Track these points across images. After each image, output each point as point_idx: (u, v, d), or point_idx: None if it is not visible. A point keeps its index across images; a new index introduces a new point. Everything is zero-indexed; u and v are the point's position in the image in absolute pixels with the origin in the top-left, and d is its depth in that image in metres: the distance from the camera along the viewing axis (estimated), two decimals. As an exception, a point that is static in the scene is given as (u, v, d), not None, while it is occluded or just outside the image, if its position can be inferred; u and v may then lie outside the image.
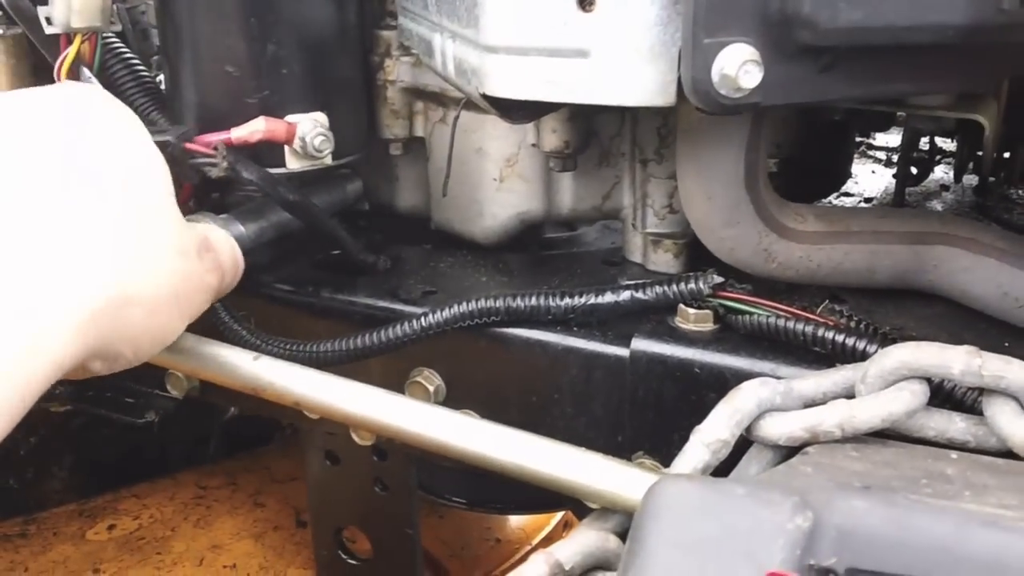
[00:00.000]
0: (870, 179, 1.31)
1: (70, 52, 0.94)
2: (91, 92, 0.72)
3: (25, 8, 1.07)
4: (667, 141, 0.96)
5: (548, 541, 1.54)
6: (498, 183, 1.03)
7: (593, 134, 0.99)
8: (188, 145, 0.91)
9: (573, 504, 1.01)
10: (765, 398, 0.67)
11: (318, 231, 1.00)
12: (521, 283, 1.01)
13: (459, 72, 0.80)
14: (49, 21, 0.93)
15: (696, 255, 0.97)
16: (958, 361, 0.64)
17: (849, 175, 1.22)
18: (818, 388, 0.70)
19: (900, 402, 0.65)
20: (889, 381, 0.66)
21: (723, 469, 0.70)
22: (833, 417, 0.66)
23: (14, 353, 0.57)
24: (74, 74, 0.96)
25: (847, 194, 1.23)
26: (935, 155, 1.27)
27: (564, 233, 1.17)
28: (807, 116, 1.07)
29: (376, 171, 1.15)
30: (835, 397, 0.70)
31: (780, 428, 0.67)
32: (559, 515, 1.59)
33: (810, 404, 0.69)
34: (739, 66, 0.62)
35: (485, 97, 0.75)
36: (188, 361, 0.80)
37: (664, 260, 0.99)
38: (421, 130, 1.09)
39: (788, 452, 0.68)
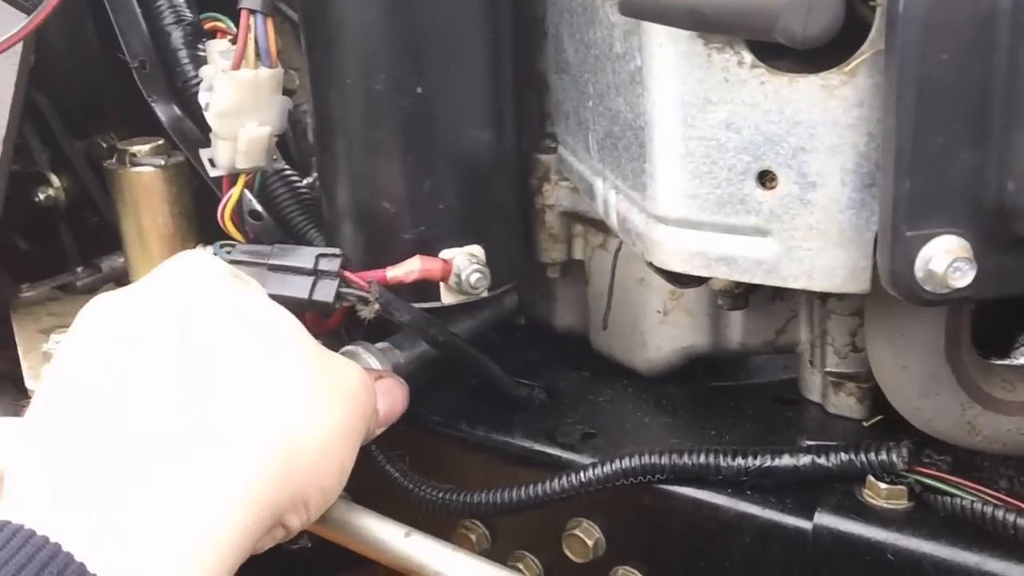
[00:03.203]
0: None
1: (233, 194, 0.94)
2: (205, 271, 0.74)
3: (189, 134, 1.08)
4: (849, 275, 0.88)
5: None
6: (662, 316, 0.97)
7: (767, 268, 0.91)
8: (347, 273, 0.89)
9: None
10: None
11: (472, 368, 0.96)
12: (686, 424, 0.94)
13: (622, 228, 0.75)
14: (212, 163, 0.93)
15: (884, 400, 0.88)
16: None
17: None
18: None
19: None
20: None
21: None
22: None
23: (195, 549, 0.56)
24: (237, 214, 0.95)
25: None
26: None
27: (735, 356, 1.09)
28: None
29: (534, 288, 1.11)
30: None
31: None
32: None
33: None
34: (948, 263, 0.54)
35: (651, 265, 0.69)
36: (337, 531, 0.77)
37: (846, 404, 0.90)
38: (580, 254, 1.04)
39: None
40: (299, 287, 0.88)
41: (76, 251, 1.29)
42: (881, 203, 0.56)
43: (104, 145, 1.27)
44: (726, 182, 0.62)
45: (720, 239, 0.63)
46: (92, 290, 1.14)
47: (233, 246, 1.01)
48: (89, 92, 1.28)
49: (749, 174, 0.61)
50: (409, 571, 0.75)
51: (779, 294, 0.93)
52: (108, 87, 1.27)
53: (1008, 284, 0.57)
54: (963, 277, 0.54)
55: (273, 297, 0.87)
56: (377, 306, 0.89)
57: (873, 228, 0.58)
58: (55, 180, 1.27)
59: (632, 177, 0.69)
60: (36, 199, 1.26)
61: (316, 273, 0.88)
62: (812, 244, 0.60)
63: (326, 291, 0.88)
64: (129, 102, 1.15)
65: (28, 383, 0.95)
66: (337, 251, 0.88)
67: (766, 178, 0.61)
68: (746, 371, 1.06)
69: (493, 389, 1.00)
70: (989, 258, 0.55)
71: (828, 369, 0.91)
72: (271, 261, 0.89)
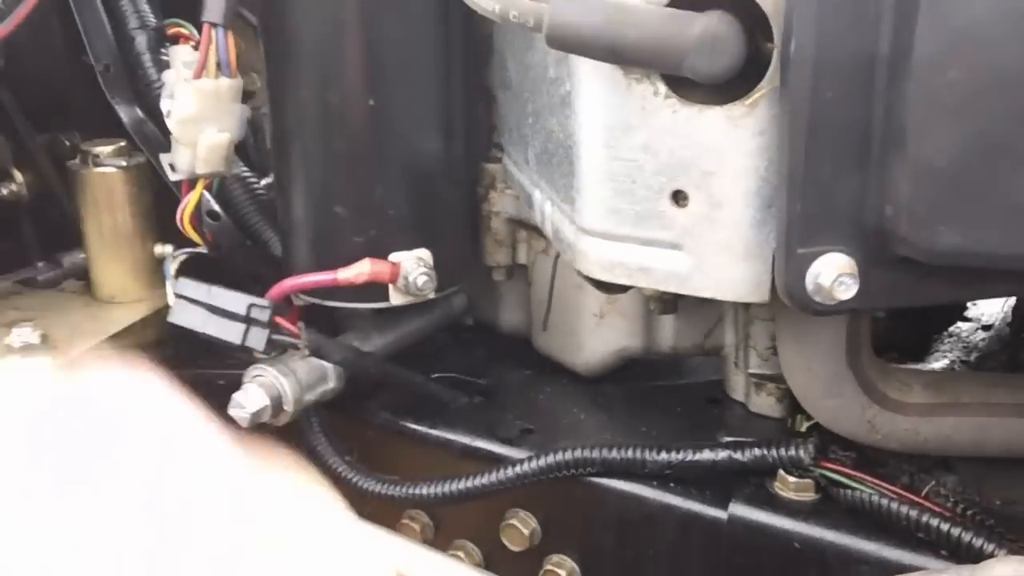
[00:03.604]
0: (988, 302, 1.25)
1: (192, 198, 0.98)
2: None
3: (151, 137, 1.12)
4: (772, 284, 0.94)
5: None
6: (598, 319, 1.02)
7: (694, 276, 0.98)
8: (279, 320, 0.94)
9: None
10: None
11: (409, 388, 1.02)
12: (619, 422, 1.00)
13: (555, 238, 0.81)
14: (172, 168, 0.97)
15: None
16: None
17: (966, 304, 1.17)
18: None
19: (1005, 622, 0.62)
20: (993, 598, 0.63)
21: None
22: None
23: None
24: (196, 217, 1.00)
25: (965, 318, 1.18)
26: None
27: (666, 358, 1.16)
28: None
29: (480, 290, 1.16)
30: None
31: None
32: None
33: (910, 609, 0.67)
34: (834, 278, 0.60)
35: (579, 273, 0.75)
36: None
37: (767, 404, 0.96)
38: (524, 258, 1.09)
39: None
40: (233, 333, 0.94)
41: (37, 246, 1.32)
42: (777, 223, 0.62)
43: (67, 143, 1.30)
44: (644, 199, 0.68)
45: (639, 251, 0.69)
46: (53, 284, 1.18)
47: (188, 255, 1.06)
48: (53, 91, 1.31)
49: (664, 193, 0.67)
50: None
51: (706, 300, 0.99)
52: (71, 87, 1.30)
53: (890, 297, 0.63)
54: (847, 291, 0.61)
55: (212, 339, 0.93)
56: (308, 349, 0.95)
57: (773, 244, 0.64)
58: (17, 175, 1.29)
59: (563, 191, 0.75)
60: (-1, 194, 1.29)
61: (248, 320, 0.93)
62: (719, 258, 0.66)
63: (258, 339, 0.94)
64: (91, 102, 1.19)
65: (-9, 374, 0.99)
66: (266, 302, 0.94)
67: (679, 197, 0.67)
68: (681, 373, 1.12)
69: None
70: (873, 274, 0.62)
71: (751, 371, 0.97)
72: (209, 301, 0.95)
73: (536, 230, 1.06)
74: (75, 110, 1.30)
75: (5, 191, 1.29)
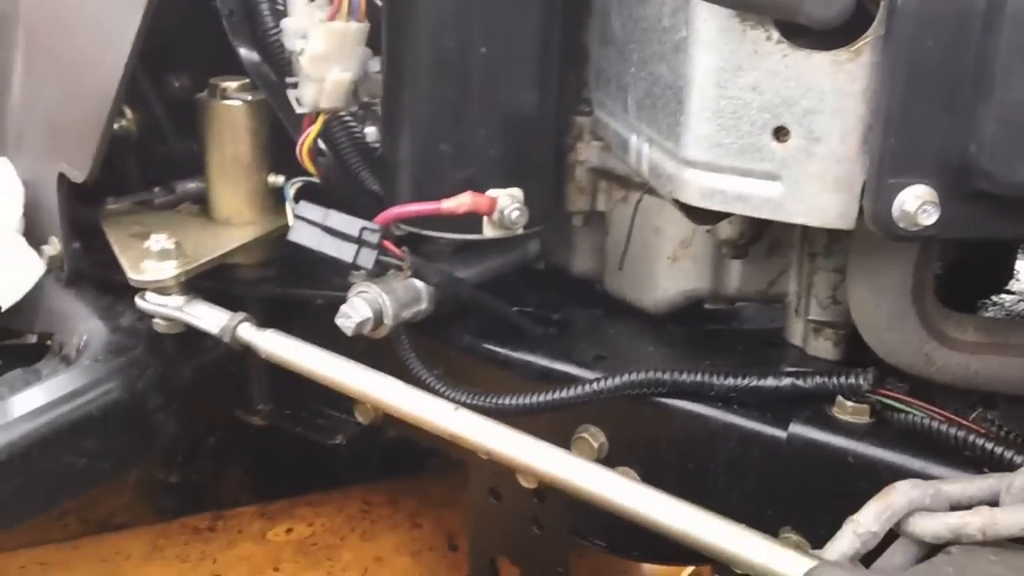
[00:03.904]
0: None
1: (312, 131, 1.08)
2: None
3: (267, 77, 1.22)
4: (836, 236, 1.03)
5: (680, 589, 1.61)
6: (671, 261, 1.12)
7: (766, 225, 1.07)
8: (386, 243, 1.04)
9: (715, 565, 1.10)
10: (916, 498, 0.74)
11: (495, 316, 1.12)
12: (685, 356, 1.09)
13: (653, 174, 0.90)
14: (299, 102, 1.07)
15: (854, 344, 1.04)
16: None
17: (1012, 275, 1.26)
18: (964, 492, 0.77)
19: (1042, 515, 0.72)
20: (1032, 495, 0.73)
21: (869, 557, 0.77)
22: (977, 522, 0.72)
23: None
24: (313, 150, 1.10)
25: (1009, 291, 1.27)
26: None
27: (724, 306, 1.25)
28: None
29: (555, 236, 1.26)
30: (980, 502, 0.76)
31: (927, 527, 0.73)
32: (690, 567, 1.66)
33: (956, 506, 0.76)
34: (918, 206, 0.70)
35: (676, 202, 0.84)
36: (397, 404, 0.92)
37: (824, 347, 1.06)
38: (603, 205, 1.19)
39: (931, 549, 0.75)
40: (347, 252, 1.06)
41: (139, 180, 1.40)
42: (871, 155, 0.72)
43: (176, 84, 1.39)
44: (747, 134, 0.77)
45: (738, 181, 0.79)
46: (169, 207, 1.28)
47: (303, 183, 1.16)
48: (164, 33, 1.40)
49: (767, 129, 0.76)
50: (456, 438, 0.89)
51: (774, 249, 1.09)
52: (182, 30, 1.38)
53: (965, 228, 0.72)
54: (929, 217, 0.70)
55: (327, 257, 1.03)
56: (410, 271, 1.05)
57: (862, 177, 0.74)
58: (128, 112, 1.37)
59: (667, 129, 0.85)
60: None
61: (360, 242, 1.04)
62: (813, 188, 0.76)
63: (367, 258, 1.06)
64: (200, 44, 1.28)
65: (130, 274, 1.09)
66: (376, 226, 1.05)
67: (780, 133, 0.76)
68: (737, 320, 1.22)
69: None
70: (951, 206, 0.71)
71: (811, 317, 1.07)
72: (326, 224, 1.05)
73: (617, 179, 1.15)
74: (184, 52, 1.39)
75: (117, 126, 1.37)
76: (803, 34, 0.73)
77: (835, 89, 0.73)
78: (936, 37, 0.67)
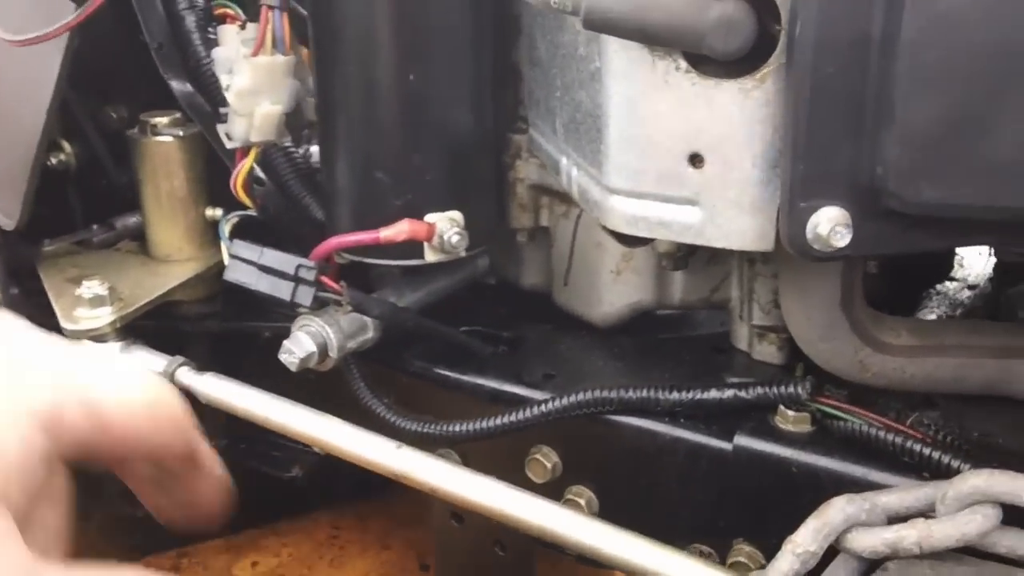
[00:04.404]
0: (975, 260, 1.35)
1: (245, 165, 1.08)
2: None
3: (201, 108, 1.22)
4: (773, 243, 1.04)
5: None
6: (615, 275, 1.13)
7: (704, 236, 1.08)
8: (323, 279, 1.04)
9: None
10: (852, 514, 0.75)
11: (441, 339, 1.12)
12: (634, 368, 1.10)
13: (582, 198, 0.90)
14: (228, 137, 1.07)
15: (798, 348, 1.05)
16: (1027, 492, 0.70)
17: (953, 265, 1.27)
18: (901, 503, 0.77)
19: (974, 524, 0.73)
20: (965, 504, 0.74)
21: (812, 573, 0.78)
22: (913, 535, 0.73)
23: None
24: (248, 182, 1.10)
25: (951, 278, 1.28)
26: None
27: (675, 312, 1.26)
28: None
29: (503, 252, 1.26)
30: (917, 512, 0.77)
31: (864, 543, 0.74)
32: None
33: (894, 518, 0.77)
34: (830, 228, 0.70)
35: (604, 228, 0.85)
36: (338, 445, 0.92)
37: (768, 352, 1.06)
38: (546, 221, 1.19)
39: (871, 564, 0.76)
40: (283, 290, 1.05)
41: (81, 213, 1.40)
42: (782, 181, 0.72)
43: (114, 115, 1.39)
44: (664, 162, 0.78)
45: (659, 207, 0.79)
46: (108, 245, 1.27)
47: (239, 217, 1.16)
48: (101, 66, 1.40)
49: (683, 156, 0.77)
50: (399, 477, 0.90)
51: (714, 258, 1.10)
52: (119, 62, 1.38)
53: (878, 245, 0.73)
54: (842, 239, 0.71)
55: (264, 296, 1.03)
56: (350, 306, 1.05)
57: (777, 200, 0.74)
58: (66, 146, 1.37)
59: (591, 156, 0.85)
60: (48, 163, 1.37)
61: (296, 279, 1.04)
62: (730, 213, 0.76)
63: (305, 296, 1.05)
64: (137, 77, 1.28)
65: (63, 323, 1.08)
66: (312, 263, 1.04)
67: (696, 160, 0.76)
68: (689, 325, 1.23)
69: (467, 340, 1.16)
70: (864, 225, 0.72)
71: (754, 322, 1.08)
72: (261, 262, 1.05)
73: (557, 195, 1.16)
74: (121, 84, 1.39)
75: (54, 160, 1.37)
76: (710, 63, 0.73)
77: (744, 116, 0.73)
78: (836, 63, 0.67)
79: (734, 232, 0.76)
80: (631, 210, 0.81)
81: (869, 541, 0.75)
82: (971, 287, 1.28)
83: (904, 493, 0.78)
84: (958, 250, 1.32)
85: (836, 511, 0.76)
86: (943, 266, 1.26)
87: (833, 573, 0.78)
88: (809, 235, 0.71)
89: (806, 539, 0.75)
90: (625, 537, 0.80)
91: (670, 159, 0.77)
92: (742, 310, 1.10)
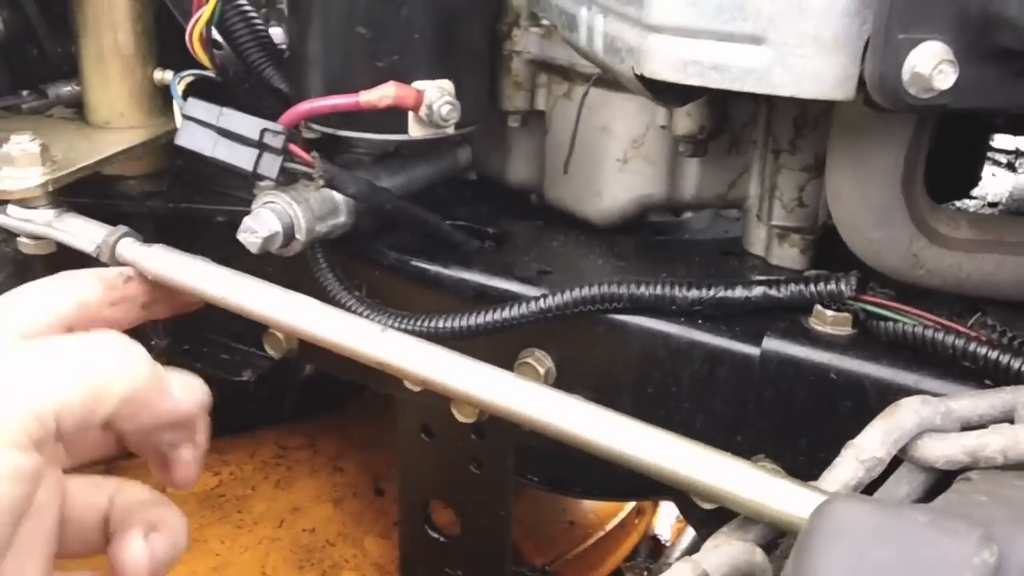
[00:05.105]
0: (991, 182, 1.26)
1: (204, 13, 0.92)
2: None
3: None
4: (803, 132, 0.92)
5: (622, 527, 1.52)
6: (621, 164, 1.00)
7: (726, 119, 0.95)
8: (292, 147, 0.89)
9: (674, 497, 1.00)
10: (926, 417, 0.64)
11: (422, 228, 0.99)
12: (639, 268, 0.98)
13: (609, 50, 0.77)
14: (184, -26, 0.91)
15: (822, 253, 0.94)
16: None
17: (979, 178, 1.17)
18: (975, 409, 0.67)
19: (1069, 431, 0.62)
20: (1055, 409, 0.63)
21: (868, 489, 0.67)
22: (997, 442, 0.63)
23: None
24: (206, 36, 0.94)
25: (971, 197, 1.18)
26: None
27: (671, 218, 1.14)
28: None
29: (488, 141, 1.12)
30: (992, 420, 0.66)
31: (940, 450, 0.63)
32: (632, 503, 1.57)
33: (966, 426, 0.66)
34: (934, 65, 0.58)
35: (640, 78, 0.72)
36: (313, 328, 0.78)
37: (789, 255, 0.95)
38: (543, 104, 1.06)
39: (941, 476, 0.65)
40: (245, 158, 0.89)
41: (8, 84, 1.24)
42: (877, 8, 0.60)
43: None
44: (726, -12, 0.65)
45: (715, 47, 0.66)
46: (40, 111, 1.11)
47: (195, 76, 1.00)
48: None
49: (750, -20, 0.64)
50: (384, 365, 0.76)
51: (734, 147, 0.98)
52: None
53: (983, 96, 0.61)
54: (946, 79, 0.59)
55: (222, 164, 0.88)
56: (322, 180, 0.90)
57: (864, 36, 0.62)
58: None
59: (628, -9, 0.72)
60: (-25, 29, 1.21)
61: (261, 146, 0.88)
62: (805, 51, 0.63)
63: (270, 166, 0.88)
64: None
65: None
66: (280, 128, 0.88)
67: (766, -15, 0.64)
68: (687, 231, 1.11)
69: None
70: (968, 68, 0.60)
71: (774, 222, 0.96)
72: (220, 124, 0.89)
73: (559, 71, 1.02)
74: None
75: (-20, 26, 1.20)
76: None
77: (835, -73, 0.61)
78: None
79: (808, 75, 0.64)
80: (680, 52, 0.68)
81: (946, 448, 0.64)
82: (991, 204, 1.18)
83: (977, 398, 0.67)
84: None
85: (908, 413, 0.64)
86: (967, 180, 1.16)
87: (894, 487, 0.67)
88: (906, 75, 0.59)
89: (872, 443, 0.64)
90: (660, 436, 0.68)
91: (735, -15, 0.64)
92: (761, 208, 0.98)
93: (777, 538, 0.68)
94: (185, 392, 0.69)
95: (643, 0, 0.69)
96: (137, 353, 0.64)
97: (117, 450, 0.78)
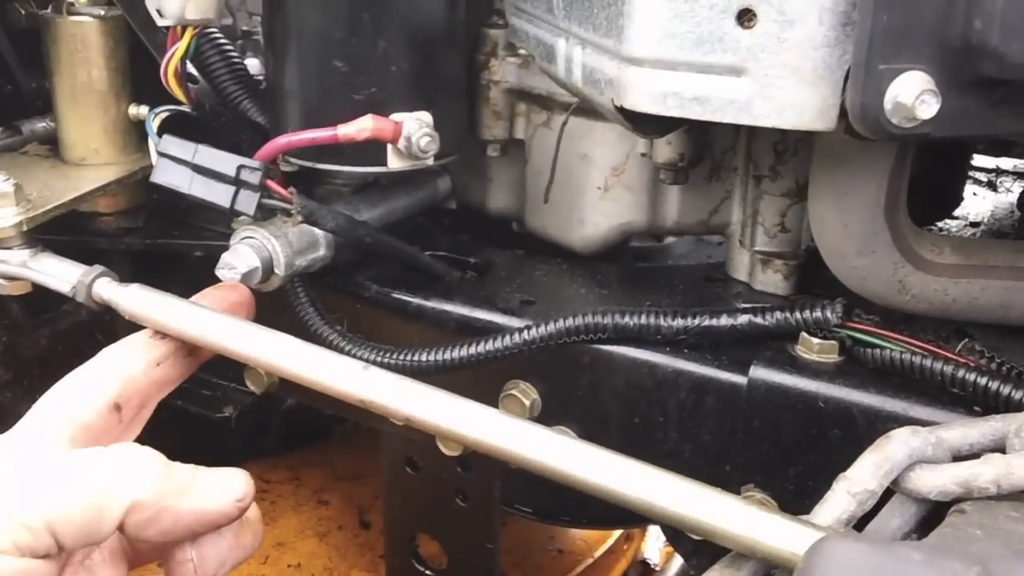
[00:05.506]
0: (973, 202, 1.26)
1: (179, 49, 0.91)
2: None
3: (124, -10, 1.04)
4: (783, 157, 0.92)
5: (611, 553, 1.51)
6: (602, 192, 0.99)
7: (707, 145, 0.95)
8: (270, 183, 0.88)
9: (664, 527, 0.99)
10: (917, 448, 0.63)
11: (402, 260, 0.98)
12: (622, 297, 0.97)
13: (588, 81, 0.76)
14: (160, 13, 0.90)
15: (806, 277, 0.94)
16: None
17: (962, 198, 1.17)
18: (966, 439, 0.66)
19: (1061, 460, 0.61)
20: (1047, 437, 0.62)
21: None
22: (989, 472, 0.62)
23: None
24: (181, 72, 0.93)
25: (953, 217, 1.18)
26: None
27: (653, 244, 1.13)
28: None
29: (468, 170, 1.12)
30: (983, 449, 0.65)
31: (933, 481, 0.62)
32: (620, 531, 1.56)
33: (958, 456, 0.65)
34: (916, 95, 0.58)
35: (620, 110, 0.71)
36: (294, 367, 0.77)
37: (772, 281, 0.95)
38: (522, 132, 1.05)
39: (934, 506, 0.64)
40: (222, 195, 0.87)
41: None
42: (857, 38, 0.59)
43: (21, 11, 1.20)
44: (705, 20, 0.64)
45: (695, 79, 0.66)
46: (11, 150, 1.09)
47: (170, 112, 0.99)
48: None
49: (729, 12, 0.63)
50: (367, 403, 0.75)
51: (715, 174, 0.97)
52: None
53: (963, 124, 0.61)
54: (928, 109, 0.58)
55: (199, 201, 0.87)
56: (300, 215, 0.89)
57: (844, 66, 0.61)
58: None
59: (606, 24, 0.71)
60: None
61: (238, 183, 0.87)
62: (785, 82, 0.63)
63: (247, 202, 0.87)
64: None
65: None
66: (257, 164, 0.87)
67: (745, 17, 0.63)
68: (670, 257, 1.10)
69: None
70: (950, 97, 0.59)
71: (757, 248, 0.96)
72: (195, 161, 0.88)
73: (538, 100, 1.02)
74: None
75: (-50, 62, 1.19)
76: None
77: (812, -42, 0.60)
78: None
79: (789, 106, 0.63)
80: (659, 84, 0.67)
81: (937, 480, 0.63)
82: (973, 224, 1.18)
83: (967, 428, 0.66)
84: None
85: (898, 444, 0.63)
86: (950, 200, 1.16)
87: (887, 519, 0.65)
88: (888, 106, 0.59)
89: (863, 476, 0.63)
90: (648, 472, 0.66)
91: (713, 16, 0.64)
92: (743, 235, 0.98)
93: (769, 574, 0.67)
94: (214, 493, 0.66)
95: (622, 32, 0.68)
96: (145, 460, 0.63)
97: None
